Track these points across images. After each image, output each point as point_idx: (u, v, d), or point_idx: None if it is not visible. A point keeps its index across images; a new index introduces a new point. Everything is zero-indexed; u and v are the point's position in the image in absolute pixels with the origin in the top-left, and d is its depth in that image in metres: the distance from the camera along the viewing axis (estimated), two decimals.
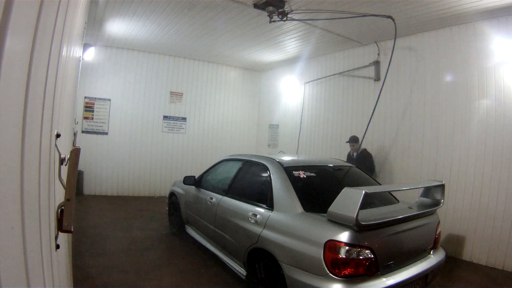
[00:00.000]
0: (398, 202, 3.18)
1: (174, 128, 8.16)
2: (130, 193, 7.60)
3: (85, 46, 5.79)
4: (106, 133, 7.40)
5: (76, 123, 5.72)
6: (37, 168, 0.78)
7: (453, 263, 4.20)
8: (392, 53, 5.14)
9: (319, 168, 3.48)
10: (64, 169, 1.10)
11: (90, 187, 7.21)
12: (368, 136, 6.00)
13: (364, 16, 4.58)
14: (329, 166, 3.60)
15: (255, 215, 3.01)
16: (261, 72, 9.27)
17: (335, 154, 6.54)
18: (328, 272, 2.24)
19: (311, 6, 4.56)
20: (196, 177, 4.42)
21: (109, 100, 7.42)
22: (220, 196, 3.72)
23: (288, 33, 5.79)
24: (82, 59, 5.43)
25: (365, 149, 5.54)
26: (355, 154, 5.53)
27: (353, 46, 6.30)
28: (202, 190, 4.21)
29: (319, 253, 2.29)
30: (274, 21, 4.85)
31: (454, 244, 4.54)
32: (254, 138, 9.34)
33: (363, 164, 5.09)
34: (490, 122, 4.33)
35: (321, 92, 7.16)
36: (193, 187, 4.40)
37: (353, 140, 5.56)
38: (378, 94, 5.34)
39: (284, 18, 4.86)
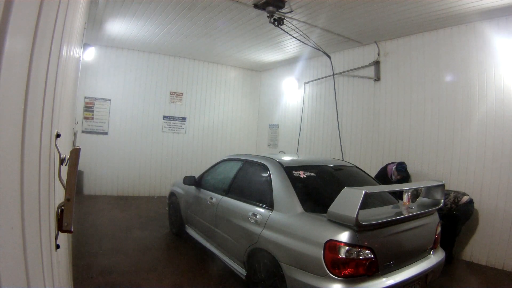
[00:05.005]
0: (398, 202, 3.18)
1: (174, 128, 8.15)
2: (130, 193, 7.59)
3: (85, 46, 5.79)
4: (106, 133, 7.40)
5: (76, 123, 5.72)
6: (37, 168, 0.78)
7: (453, 263, 4.20)
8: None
9: (319, 168, 3.48)
10: (64, 169, 1.10)
11: (90, 187, 7.21)
12: (368, 136, 6.01)
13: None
14: (329, 166, 3.60)
15: (255, 215, 3.01)
16: (261, 72, 9.27)
17: (335, 154, 6.55)
18: (328, 272, 2.24)
19: (311, 6, 4.56)
20: (196, 177, 4.42)
21: (109, 100, 7.41)
22: (220, 196, 3.72)
23: (288, 33, 5.79)
24: (82, 59, 5.43)
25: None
26: (393, 177, 4.93)
27: (353, 46, 6.30)
28: (202, 190, 4.21)
29: (319, 253, 2.29)
30: (272, 23, 4.88)
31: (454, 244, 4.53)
32: (254, 138, 9.34)
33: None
34: (490, 122, 4.33)
35: (321, 92, 7.16)
36: (193, 187, 4.40)
37: (401, 169, 4.83)
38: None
39: (280, 25, 4.92)
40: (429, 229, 2.84)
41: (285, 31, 5.36)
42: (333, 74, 6.72)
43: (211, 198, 3.84)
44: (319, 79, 7.15)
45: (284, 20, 4.97)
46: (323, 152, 6.98)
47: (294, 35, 5.62)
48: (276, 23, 4.86)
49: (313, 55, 7.12)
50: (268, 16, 4.80)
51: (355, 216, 2.16)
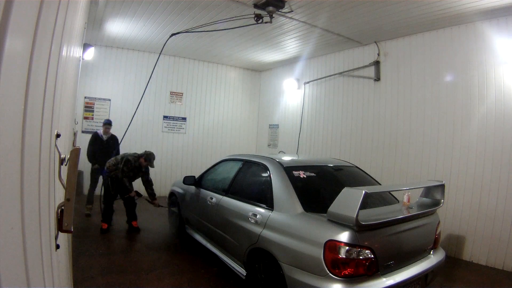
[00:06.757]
0: (398, 202, 3.18)
1: (174, 128, 8.15)
2: None
3: (85, 46, 5.78)
4: None
5: (76, 123, 5.72)
6: (37, 168, 0.78)
7: (453, 263, 4.20)
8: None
9: (319, 168, 3.48)
10: (64, 169, 1.10)
11: None
12: (368, 135, 6.00)
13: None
14: (329, 166, 3.60)
15: (255, 215, 3.01)
16: (261, 72, 9.27)
17: (335, 154, 6.54)
18: (328, 272, 2.24)
19: (311, 6, 4.56)
20: (196, 177, 4.42)
21: (109, 100, 7.41)
22: (220, 196, 3.72)
23: (288, 33, 5.79)
24: (82, 59, 5.43)
25: (114, 135, 6.31)
26: (104, 136, 6.09)
27: (353, 46, 6.30)
28: (202, 190, 4.21)
29: (319, 253, 2.29)
30: (256, 21, 4.85)
31: (454, 244, 4.54)
32: (254, 138, 9.34)
33: (112, 146, 5.94)
34: (490, 122, 4.33)
35: (321, 92, 7.16)
36: (193, 187, 4.40)
37: (108, 123, 6.18)
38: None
39: (263, 22, 4.87)
40: (429, 229, 2.84)
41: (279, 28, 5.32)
42: (333, 74, 6.72)
43: (211, 198, 3.84)
44: (319, 79, 7.15)
45: (265, 17, 4.90)
46: (323, 152, 6.98)
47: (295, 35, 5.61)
48: (260, 21, 4.83)
49: (313, 55, 7.12)
50: (255, 21, 4.80)
51: (355, 216, 2.16)
